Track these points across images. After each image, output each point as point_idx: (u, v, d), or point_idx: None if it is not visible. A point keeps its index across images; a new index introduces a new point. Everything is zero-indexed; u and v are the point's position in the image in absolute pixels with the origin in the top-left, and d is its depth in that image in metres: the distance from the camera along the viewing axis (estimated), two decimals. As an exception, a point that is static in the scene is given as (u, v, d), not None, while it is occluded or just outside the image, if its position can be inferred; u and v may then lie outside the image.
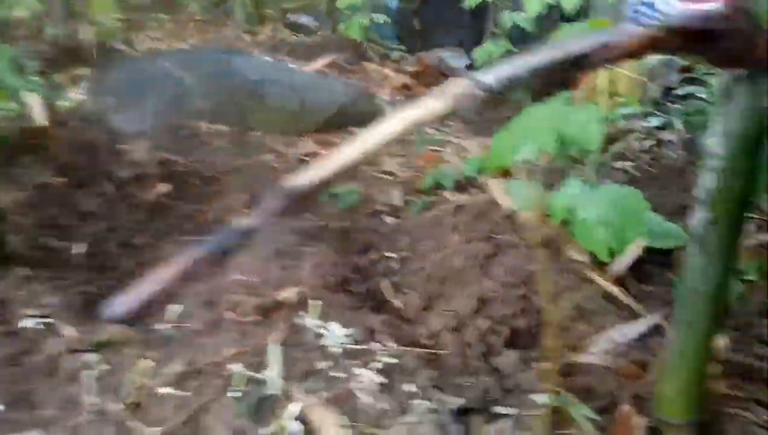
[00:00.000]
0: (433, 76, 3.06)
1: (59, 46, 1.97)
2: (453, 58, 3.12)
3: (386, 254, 1.01)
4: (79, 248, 0.87)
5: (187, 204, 1.06)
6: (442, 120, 1.86)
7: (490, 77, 0.50)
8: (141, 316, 0.40)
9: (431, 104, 0.52)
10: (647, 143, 1.50)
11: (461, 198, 1.14)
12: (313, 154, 1.36)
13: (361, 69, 3.03)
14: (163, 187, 1.04)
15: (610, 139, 1.39)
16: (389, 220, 1.13)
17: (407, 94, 2.75)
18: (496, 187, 1.06)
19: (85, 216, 0.93)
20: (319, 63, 2.01)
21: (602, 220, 0.82)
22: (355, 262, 0.95)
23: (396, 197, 1.20)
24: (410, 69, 3.06)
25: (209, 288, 0.83)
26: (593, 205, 0.86)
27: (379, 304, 0.84)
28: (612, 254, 0.80)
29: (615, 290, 0.77)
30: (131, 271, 0.87)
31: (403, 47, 3.67)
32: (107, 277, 0.84)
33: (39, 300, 0.74)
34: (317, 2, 4.41)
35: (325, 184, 0.46)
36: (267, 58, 2.52)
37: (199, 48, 1.99)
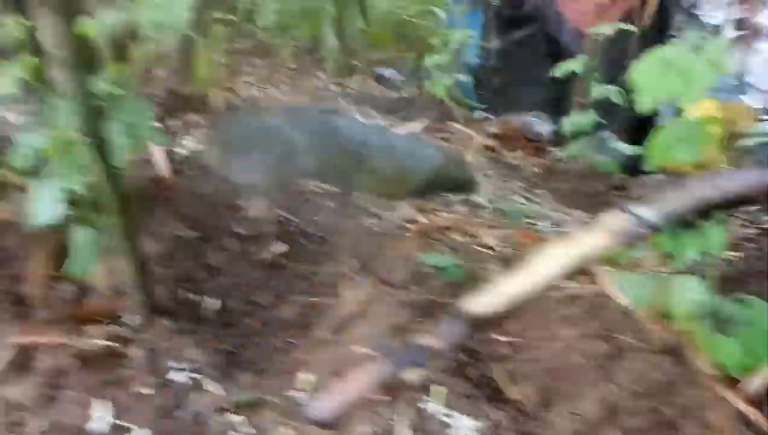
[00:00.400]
0: (517, 140, 3.08)
1: (171, 91, 2.12)
2: (537, 123, 3.14)
3: (496, 337, 1.01)
4: (211, 303, 0.92)
5: (300, 264, 1.10)
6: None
7: (652, 214, 0.51)
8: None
9: (594, 241, 0.53)
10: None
11: (569, 285, 1.13)
12: (412, 221, 1.39)
13: (446, 128, 3.09)
14: (280, 247, 1.09)
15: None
16: (492, 298, 1.13)
17: (491, 156, 2.78)
18: (607, 279, 1.05)
19: (213, 270, 0.98)
20: (414, 126, 2.07)
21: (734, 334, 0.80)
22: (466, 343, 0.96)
23: (497, 275, 1.21)
24: (494, 131, 3.09)
25: (336, 358, 0.85)
26: (723, 315, 0.84)
27: (495, 393, 0.84)
28: (746, 371, 0.78)
29: (750, 412, 0.74)
30: (257, 331, 0.92)
31: (483, 105, 3.74)
32: (237, 335, 0.89)
33: (184, 353, 0.78)
34: (404, 56, 4.56)
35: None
36: (366, 119, 2.62)
37: (305, 106, 2.08)
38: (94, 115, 0.71)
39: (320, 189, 1.40)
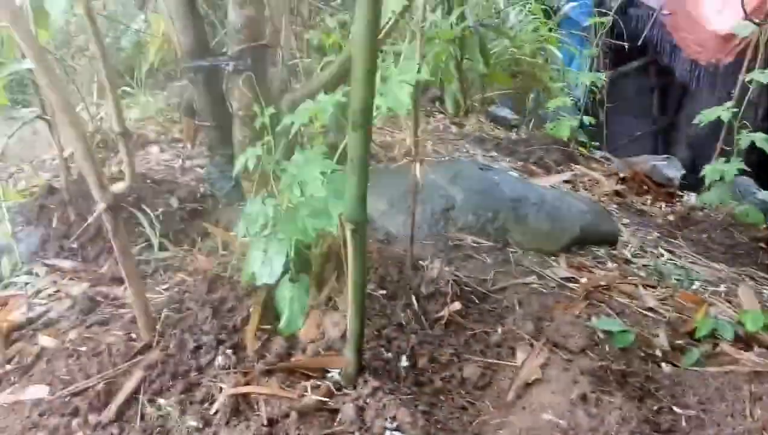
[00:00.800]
0: (645, 185, 2.99)
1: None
2: (666, 167, 3.03)
3: (673, 408, 1.00)
4: (403, 361, 0.99)
5: (472, 323, 1.15)
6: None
7: None
8: None
9: None
10: None
11: (750, 358, 1.10)
12: (569, 279, 1.41)
13: (570, 170, 3.06)
14: (455, 306, 1.15)
15: None
16: (665, 366, 1.12)
17: (621, 201, 2.71)
18: (799, 357, 1.02)
19: (401, 328, 1.06)
20: (558, 178, 2.08)
21: None
22: (646, 415, 0.96)
23: (665, 340, 1.19)
24: (621, 175, 3.02)
25: (526, 425, 0.89)
26: None
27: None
28: None
29: None
30: (444, 389, 0.98)
31: (594, 142, 3.66)
32: (428, 393, 0.95)
33: (389, 411, 0.85)
34: (518, 95, 4.58)
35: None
36: (491, 162, 2.66)
37: (459, 159, 2.15)
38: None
39: (478, 243, 1.46)
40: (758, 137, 2.36)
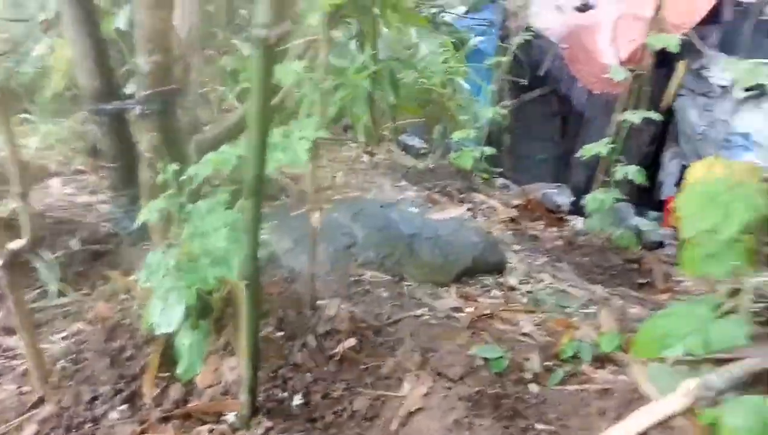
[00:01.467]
0: (537, 211, 3.24)
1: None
2: (557, 194, 3.31)
3: (535, 426, 1.15)
4: (296, 400, 1.07)
5: (366, 357, 1.25)
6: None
7: (719, 382, 0.66)
8: None
9: (670, 406, 0.67)
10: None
11: (603, 376, 1.27)
12: (457, 309, 1.54)
13: (470, 199, 3.27)
14: (350, 341, 1.24)
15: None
16: (534, 387, 1.27)
17: (515, 228, 2.93)
18: (639, 374, 1.19)
19: (297, 367, 1.13)
20: (458, 211, 2.23)
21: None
22: (512, 434, 1.10)
23: (536, 363, 1.35)
24: (516, 202, 3.26)
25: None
26: (742, 417, 0.97)
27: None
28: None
29: None
30: (335, 423, 1.06)
31: (500, 170, 3.93)
32: (320, 429, 1.03)
33: (283, 451, 0.93)
34: (427, 124, 4.78)
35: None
36: (399, 192, 2.80)
37: (362, 198, 2.25)
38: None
39: (377, 278, 1.57)
40: (631, 170, 2.66)
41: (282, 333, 1.18)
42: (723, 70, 5.49)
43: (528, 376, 1.30)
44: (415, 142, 4.64)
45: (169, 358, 1.10)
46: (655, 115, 2.70)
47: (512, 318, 1.54)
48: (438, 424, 1.06)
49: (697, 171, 4.12)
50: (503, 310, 1.58)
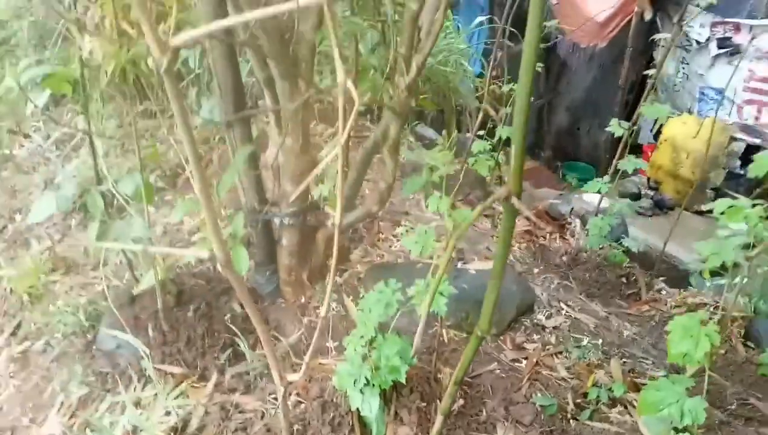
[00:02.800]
0: (545, 219, 3.91)
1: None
2: (560, 204, 3.98)
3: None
4: (441, 448, 1.77)
5: (470, 408, 1.95)
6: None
7: None
8: None
9: None
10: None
11: (614, 415, 2.00)
12: (515, 360, 2.24)
13: (488, 207, 3.90)
14: (460, 402, 1.93)
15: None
16: (573, 422, 2.00)
17: (529, 239, 3.61)
18: (642, 423, 1.93)
19: (431, 423, 1.82)
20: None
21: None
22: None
23: (571, 404, 2.07)
24: (526, 213, 3.90)
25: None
26: None
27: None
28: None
29: None
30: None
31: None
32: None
33: None
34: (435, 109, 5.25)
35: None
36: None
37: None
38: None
39: (459, 336, 2.24)
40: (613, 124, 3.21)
41: (421, 399, 1.85)
42: (702, 25, 6.06)
43: (569, 415, 2.03)
44: (431, 133, 5.15)
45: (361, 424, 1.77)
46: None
47: (551, 364, 2.25)
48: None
49: (672, 128, 5.28)
50: (544, 355, 2.29)
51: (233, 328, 2.16)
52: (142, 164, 1.86)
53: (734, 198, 1.94)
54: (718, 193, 5.27)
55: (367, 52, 3.85)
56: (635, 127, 3.19)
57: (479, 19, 6.06)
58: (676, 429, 1.78)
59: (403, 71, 1.69)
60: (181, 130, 0.82)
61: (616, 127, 3.19)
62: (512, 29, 4.79)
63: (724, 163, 5.33)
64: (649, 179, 5.81)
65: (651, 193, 5.62)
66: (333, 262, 1.04)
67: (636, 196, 5.52)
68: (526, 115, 0.97)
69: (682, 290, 3.37)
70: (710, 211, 1.96)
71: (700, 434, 1.99)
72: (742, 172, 5.28)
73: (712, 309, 3.20)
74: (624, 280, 3.34)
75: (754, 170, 1.78)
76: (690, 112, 6.93)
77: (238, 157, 1.82)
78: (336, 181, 1.83)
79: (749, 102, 5.80)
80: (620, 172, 3.24)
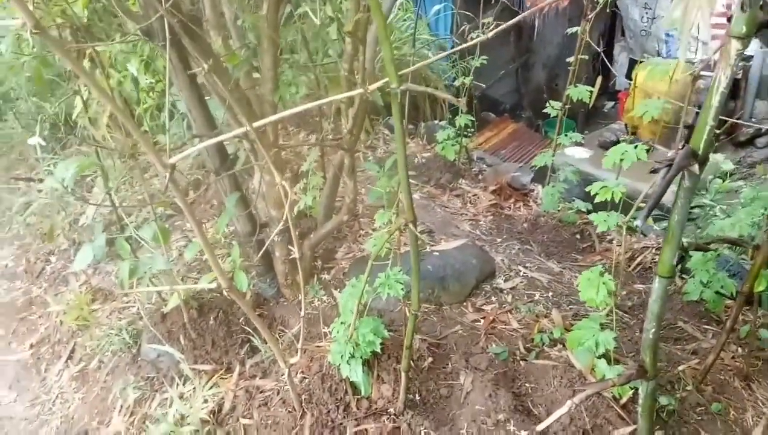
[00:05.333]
0: (508, 192, 4.41)
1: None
2: (521, 176, 4.46)
3: (525, 384, 2.42)
4: (416, 396, 2.31)
5: (438, 363, 2.49)
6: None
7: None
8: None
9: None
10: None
11: (555, 353, 2.53)
12: (475, 320, 2.77)
13: (459, 188, 4.41)
14: (429, 360, 2.47)
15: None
16: (522, 363, 2.53)
17: (495, 211, 4.11)
18: (572, 356, 2.45)
19: (410, 379, 2.36)
20: (456, 243, 3.36)
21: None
22: (511, 388, 2.37)
23: (521, 349, 2.60)
24: (492, 187, 4.40)
25: (468, 418, 2.26)
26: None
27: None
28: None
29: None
30: (434, 402, 2.32)
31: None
32: (428, 404, 2.29)
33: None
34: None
35: None
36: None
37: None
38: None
39: (428, 308, 2.77)
40: (582, 91, 3.67)
41: (397, 362, 2.39)
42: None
43: (518, 357, 2.56)
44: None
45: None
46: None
47: (505, 319, 2.77)
48: (481, 395, 2.31)
49: (641, 74, 5.92)
50: (499, 312, 2.82)
51: (247, 328, 2.70)
52: (155, 213, 2.37)
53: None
54: (691, 129, 5.66)
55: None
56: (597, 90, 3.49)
57: (437, 7, 6.45)
58: (598, 357, 2.32)
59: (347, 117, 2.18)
60: (196, 231, 1.32)
61: (575, 91, 3.55)
62: (468, 13, 5.19)
63: (694, 101, 5.71)
64: (626, 125, 6.19)
65: (630, 138, 6.05)
66: (302, 283, 1.55)
67: (615, 144, 5.95)
68: (404, 155, 1.48)
69: (630, 238, 3.86)
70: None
71: (629, 357, 2.52)
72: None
73: (654, 250, 3.71)
74: (578, 236, 3.84)
75: (605, 163, 2.26)
76: (659, 54, 7.30)
77: (228, 204, 2.33)
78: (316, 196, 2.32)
79: (714, 38, 6.15)
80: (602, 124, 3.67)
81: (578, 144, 4.73)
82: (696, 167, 1.48)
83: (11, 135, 5.42)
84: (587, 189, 2.58)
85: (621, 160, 2.25)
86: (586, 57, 3.52)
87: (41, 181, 4.54)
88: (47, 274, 3.83)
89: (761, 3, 1.30)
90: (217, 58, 2.06)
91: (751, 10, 1.24)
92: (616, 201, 2.32)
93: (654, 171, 1.42)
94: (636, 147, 2.32)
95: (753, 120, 5.89)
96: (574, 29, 3.45)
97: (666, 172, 1.43)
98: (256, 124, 1.25)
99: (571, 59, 3.49)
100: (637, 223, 1.39)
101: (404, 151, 1.44)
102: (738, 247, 2.94)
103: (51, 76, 4.61)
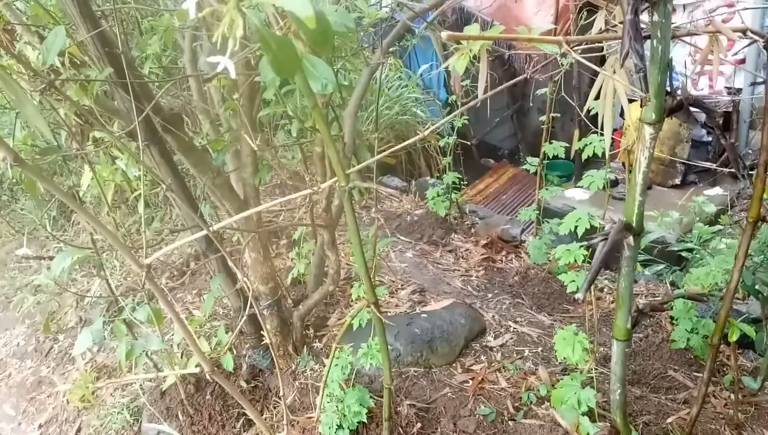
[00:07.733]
0: (499, 245, 4.50)
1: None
2: (511, 228, 4.56)
3: (514, 446, 2.45)
4: (405, 464, 2.36)
5: (427, 428, 2.54)
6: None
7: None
8: None
9: None
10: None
11: (542, 411, 2.57)
12: (464, 382, 2.82)
13: (451, 243, 4.50)
14: (417, 426, 2.52)
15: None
16: (510, 423, 2.57)
17: (487, 265, 4.19)
18: (557, 414, 2.50)
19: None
20: (444, 302, 3.45)
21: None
22: (503, 454, 2.41)
23: (510, 409, 2.65)
24: (483, 242, 4.50)
25: (459, 479, 2.30)
26: None
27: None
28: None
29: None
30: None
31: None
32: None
33: None
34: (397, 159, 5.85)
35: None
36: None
37: (395, 318, 3.44)
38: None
39: (417, 371, 2.84)
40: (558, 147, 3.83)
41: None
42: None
43: (506, 416, 2.60)
44: (396, 182, 5.77)
45: None
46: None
47: (494, 378, 2.83)
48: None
49: (632, 112, 5.98)
50: (488, 372, 2.87)
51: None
52: (148, 296, 2.51)
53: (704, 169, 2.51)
54: (688, 165, 5.72)
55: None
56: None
57: (424, 66, 6.73)
58: (582, 414, 2.36)
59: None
60: (176, 322, 1.45)
61: (549, 148, 3.71)
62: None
63: (687, 136, 5.77)
64: (624, 164, 6.28)
65: (627, 176, 6.13)
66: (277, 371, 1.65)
67: (614, 183, 6.04)
68: (360, 244, 1.59)
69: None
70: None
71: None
72: (709, 138, 5.69)
73: (644, 296, 3.76)
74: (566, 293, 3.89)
75: (561, 229, 2.37)
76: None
77: (213, 285, 2.46)
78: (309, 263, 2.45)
79: (701, 74, 6.29)
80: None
81: (577, 186, 4.84)
82: (631, 239, 1.58)
83: (23, 215, 5.67)
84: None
85: (575, 227, 2.37)
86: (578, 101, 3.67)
87: (51, 259, 4.74)
88: (55, 353, 3.96)
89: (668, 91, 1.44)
90: (199, 152, 2.23)
91: (656, 100, 1.38)
92: (579, 262, 2.41)
93: (589, 246, 1.53)
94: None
95: (749, 150, 5.96)
96: (543, 90, 3.62)
97: (603, 245, 1.53)
98: (226, 223, 1.38)
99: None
100: (578, 296, 1.48)
101: (359, 241, 1.56)
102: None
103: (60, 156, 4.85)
